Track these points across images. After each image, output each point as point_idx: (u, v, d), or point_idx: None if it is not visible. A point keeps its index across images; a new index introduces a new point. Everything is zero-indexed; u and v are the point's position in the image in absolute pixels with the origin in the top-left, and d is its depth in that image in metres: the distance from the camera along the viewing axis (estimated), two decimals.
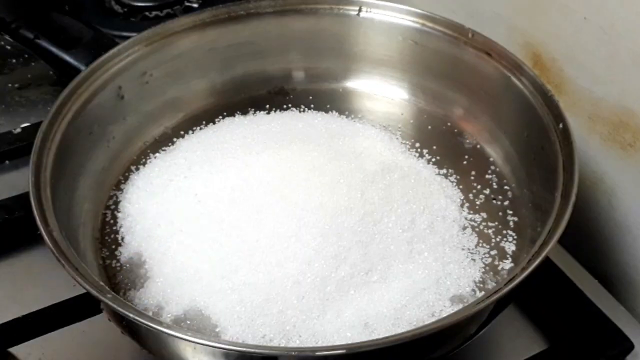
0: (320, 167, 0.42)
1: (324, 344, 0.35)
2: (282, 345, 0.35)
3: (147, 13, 0.61)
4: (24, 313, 0.38)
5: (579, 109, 0.46)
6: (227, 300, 0.37)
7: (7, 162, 0.50)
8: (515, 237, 0.42)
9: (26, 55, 0.55)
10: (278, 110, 0.50)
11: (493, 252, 0.41)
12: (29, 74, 0.55)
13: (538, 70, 0.48)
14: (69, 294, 0.38)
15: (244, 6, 0.49)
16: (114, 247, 0.41)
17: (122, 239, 0.41)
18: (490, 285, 0.39)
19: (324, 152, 0.43)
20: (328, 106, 0.51)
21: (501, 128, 0.46)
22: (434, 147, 0.47)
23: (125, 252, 0.40)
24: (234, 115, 0.50)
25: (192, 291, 0.37)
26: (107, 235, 0.42)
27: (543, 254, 0.33)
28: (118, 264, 0.40)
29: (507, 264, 0.40)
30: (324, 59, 0.51)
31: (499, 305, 0.35)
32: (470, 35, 0.46)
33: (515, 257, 0.40)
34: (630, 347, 0.39)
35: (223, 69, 0.50)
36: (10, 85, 0.55)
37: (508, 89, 0.44)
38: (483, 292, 0.38)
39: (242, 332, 0.36)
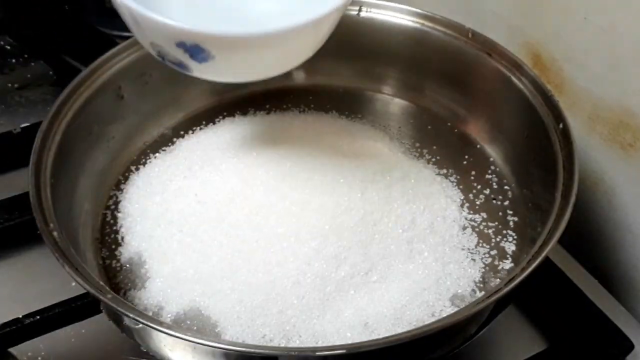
0: (320, 167, 0.42)
1: (324, 344, 0.35)
2: (282, 345, 0.35)
3: None
4: (24, 313, 0.38)
5: (579, 109, 0.46)
6: (227, 300, 0.37)
7: (7, 162, 0.50)
8: (515, 237, 0.42)
9: (26, 56, 0.55)
10: (278, 110, 0.50)
11: (493, 252, 0.41)
12: (29, 74, 0.55)
13: (538, 70, 0.47)
14: (69, 294, 0.38)
15: None
16: (114, 247, 0.41)
17: (122, 239, 0.41)
18: (490, 285, 0.39)
19: (324, 152, 0.43)
20: (328, 106, 0.50)
21: (501, 128, 0.46)
22: (434, 147, 0.47)
23: (125, 252, 0.40)
24: (234, 116, 0.50)
25: (192, 291, 0.37)
26: (107, 236, 0.42)
27: (543, 254, 0.33)
28: (118, 264, 0.40)
29: (507, 264, 0.40)
30: (324, 59, 0.51)
31: (499, 305, 0.35)
32: (470, 35, 0.46)
33: (515, 257, 0.41)
34: (630, 346, 0.39)
35: None
36: (10, 85, 0.55)
37: (508, 89, 0.44)
38: (483, 292, 0.38)
39: (242, 332, 0.36)
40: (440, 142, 0.48)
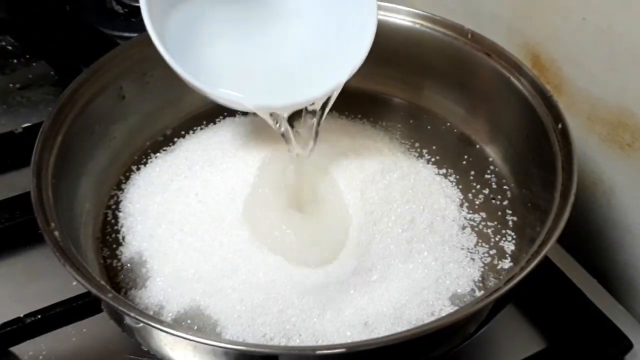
0: (320, 167, 0.42)
1: (324, 343, 0.35)
2: (283, 344, 0.35)
3: None
4: (25, 312, 0.38)
5: (577, 109, 0.46)
6: (228, 300, 0.37)
7: (8, 162, 0.50)
8: (515, 236, 0.42)
9: (27, 56, 0.55)
10: None
11: (492, 252, 0.41)
12: (31, 74, 0.55)
13: (537, 70, 0.48)
14: (70, 294, 0.38)
15: None
16: (115, 246, 0.41)
17: (123, 238, 0.41)
18: (490, 284, 0.39)
19: (325, 153, 0.43)
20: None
21: (500, 128, 0.46)
22: (434, 147, 0.47)
23: (126, 252, 0.41)
24: (235, 116, 0.49)
25: (192, 290, 0.37)
26: (108, 235, 0.42)
27: (542, 254, 0.33)
28: (119, 264, 0.40)
29: (506, 264, 0.40)
30: None
31: (498, 305, 0.35)
32: (469, 35, 0.46)
33: (514, 257, 0.41)
34: (629, 346, 0.39)
35: None
36: (11, 85, 0.55)
37: (507, 89, 0.44)
38: (482, 292, 0.38)
39: (242, 331, 0.36)
40: (440, 142, 0.48)
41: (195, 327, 0.36)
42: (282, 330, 0.36)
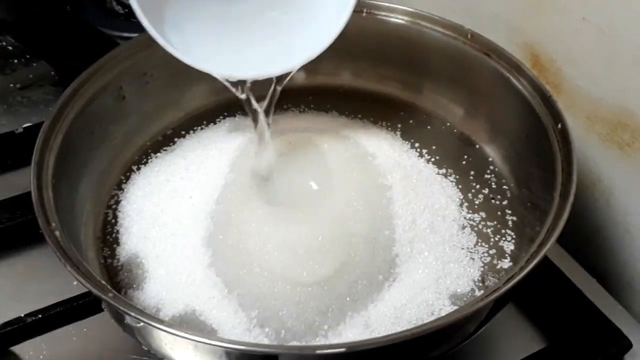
0: (320, 168, 0.42)
1: (324, 343, 0.35)
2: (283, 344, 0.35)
3: None
4: (26, 312, 0.38)
5: (577, 109, 0.46)
6: (222, 306, 0.36)
7: (9, 162, 0.50)
8: (514, 236, 0.42)
9: (28, 56, 0.55)
10: (278, 110, 0.50)
11: (492, 252, 0.41)
12: (31, 74, 0.55)
13: (537, 70, 0.48)
14: (71, 293, 0.38)
15: None
16: (115, 246, 0.41)
17: (121, 239, 0.41)
18: (489, 284, 0.39)
19: (325, 153, 0.43)
20: (328, 106, 0.51)
21: (500, 128, 0.46)
22: (434, 147, 0.47)
23: (124, 252, 0.41)
24: (235, 116, 0.49)
25: (186, 295, 0.37)
26: (109, 235, 0.42)
27: (541, 253, 0.33)
28: (119, 264, 0.40)
29: (506, 263, 0.40)
30: (324, 59, 0.50)
31: (498, 304, 0.35)
32: (469, 35, 0.46)
33: (514, 257, 0.41)
34: (628, 345, 0.39)
35: None
36: (12, 85, 0.55)
37: (507, 89, 0.44)
38: (482, 291, 0.38)
39: (241, 333, 0.36)
40: (440, 142, 0.48)
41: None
42: (282, 330, 0.36)
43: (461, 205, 0.44)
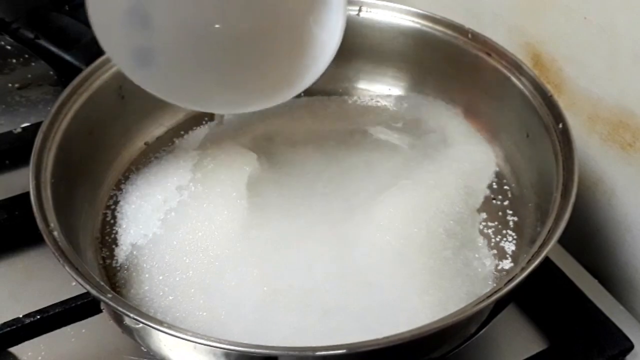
0: (324, 169, 0.42)
1: (325, 344, 0.35)
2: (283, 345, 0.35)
3: None
4: (24, 313, 0.37)
5: (578, 108, 0.46)
6: (218, 310, 0.36)
7: (7, 162, 0.50)
8: (515, 236, 0.42)
9: (26, 56, 0.54)
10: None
11: (493, 252, 0.41)
12: (30, 74, 0.54)
13: (538, 70, 0.47)
14: (69, 294, 0.38)
15: None
16: (113, 247, 0.41)
17: (119, 239, 0.41)
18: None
19: (326, 153, 0.43)
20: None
21: (501, 128, 0.46)
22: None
23: (122, 253, 0.40)
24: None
25: (185, 297, 0.37)
26: (107, 235, 0.42)
27: (543, 254, 0.33)
28: (118, 265, 0.40)
29: (507, 264, 0.40)
30: None
31: (499, 305, 0.35)
32: (470, 35, 0.46)
33: (515, 257, 0.40)
34: (630, 347, 0.39)
35: None
36: (10, 85, 0.55)
37: (508, 89, 0.44)
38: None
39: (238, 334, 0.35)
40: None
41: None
42: (282, 330, 0.36)
43: None
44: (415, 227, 0.39)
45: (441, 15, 0.47)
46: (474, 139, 0.47)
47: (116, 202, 0.44)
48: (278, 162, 0.43)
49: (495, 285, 0.37)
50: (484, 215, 0.43)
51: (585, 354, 0.39)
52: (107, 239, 0.42)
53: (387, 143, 0.47)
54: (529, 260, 0.33)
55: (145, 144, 0.48)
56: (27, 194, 0.36)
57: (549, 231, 0.34)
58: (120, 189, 0.44)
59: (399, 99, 0.51)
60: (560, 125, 0.39)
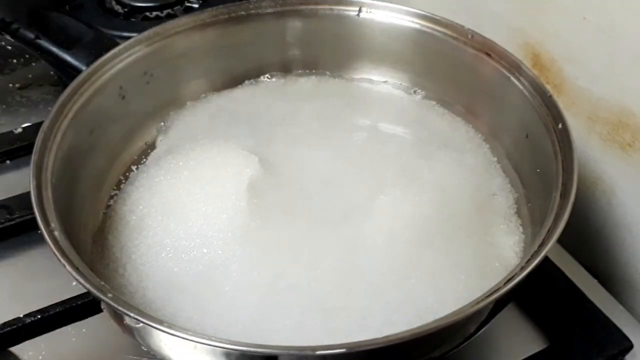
0: (322, 166, 0.42)
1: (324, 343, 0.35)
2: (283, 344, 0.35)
3: (147, 13, 0.60)
4: (25, 312, 0.38)
5: (578, 109, 0.46)
6: (219, 307, 0.36)
7: (8, 162, 0.50)
8: (516, 236, 0.41)
9: (27, 56, 0.55)
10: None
11: (493, 252, 0.40)
12: (30, 74, 0.55)
13: (537, 70, 0.47)
14: (70, 294, 0.38)
15: (244, 7, 0.49)
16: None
17: (116, 240, 0.41)
18: None
19: (327, 155, 0.43)
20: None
21: (501, 128, 0.46)
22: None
23: (118, 253, 0.40)
24: None
25: (186, 295, 0.37)
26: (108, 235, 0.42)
27: (542, 254, 0.33)
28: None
29: (507, 264, 0.40)
30: (324, 60, 0.51)
31: (498, 305, 0.35)
32: (469, 35, 0.46)
33: (514, 257, 0.40)
34: (629, 346, 0.39)
35: (223, 69, 0.50)
36: (11, 85, 0.55)
37: (507, 89, 0.44)
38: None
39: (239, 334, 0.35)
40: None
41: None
42: (282, 331, 0.35)
43: None
44: (415, 228, 0.39)
45: (441, 16, 0.47)
46: (474, 139, 0.47)
47: (117, 202, 0.43)
48: (278, 163, 0.43)
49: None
50: (483, 215, 0.42)
51: (584, 353, 0.39)
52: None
53: (388, 144, 0.46)
54: (529, 260, 0.33)
55: (145, 144, 0.48)
56: (28, 194, 0.36)
57: (548, 231, 0.34)
58: (120, 189, 0.44)
59: (399, 99, 0.51)
60: (560, 125, 0.39)
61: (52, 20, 0.47)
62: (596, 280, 0.45)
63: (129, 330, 0.34)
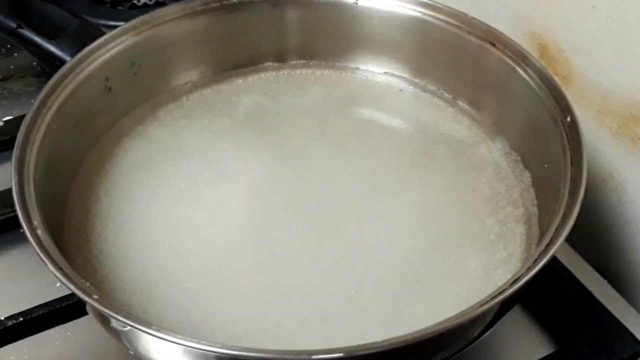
0: (321, 164, 0.42)
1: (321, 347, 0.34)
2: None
3: (135, 1, 0.61)
4: (6, 315, 0.37)
5: (587, 101, 0.45)
6: (214, 311, 0.35)
7: None
8: (524, 234, 0.40)
9: (9, 46, 0.55)
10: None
11: (500, 251, 0.39)
12: (12, 65, 0.55)
13: (544, 61, 0.47)
14: (54, 295, 0.38)
15: None
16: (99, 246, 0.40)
17: (105, 239, 0.40)
18: None
19: (326, 148, 0.43)
20: None
21: (505, 121, 0.45)
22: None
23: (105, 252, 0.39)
24: None
25: (177, 297, 0.36)
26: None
27: (550, 253, 0.32)
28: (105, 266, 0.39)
29: (514, 264, 0.39)
30: (321, 50, 0.50)
31: (504, 307, 0.34)
32: (473, 24, 0.45)
33: (522, 257, 0.39)
34: None
35: (214, 60, 0.49)
36: None
37: (513, 81, 0.43)
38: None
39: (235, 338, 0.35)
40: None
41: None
42: (279, 333, 0.35)
43: None
44: (417, 227, 0.39)
45: (443, 3, 0.46)
46: (477, 132, 0.47)
47: None
48: (273, 158, 0.43)
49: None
50: (489, 211, 0.42)
51: (594, 357, 0.38)
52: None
53: (387, 139, 0.46)
54: (536, 260, 0.32)
55: (133, 137, 0.46)
56: (10, 190, 0.35)
57: (556, 229, 0.33)
58: None
59: (399, 91, 0.50)
60: (569, 119, 0.39)
61: (35, 9, 0.47)
62: (606, 281, 0.44)
63: (115, 334, 0.33)
